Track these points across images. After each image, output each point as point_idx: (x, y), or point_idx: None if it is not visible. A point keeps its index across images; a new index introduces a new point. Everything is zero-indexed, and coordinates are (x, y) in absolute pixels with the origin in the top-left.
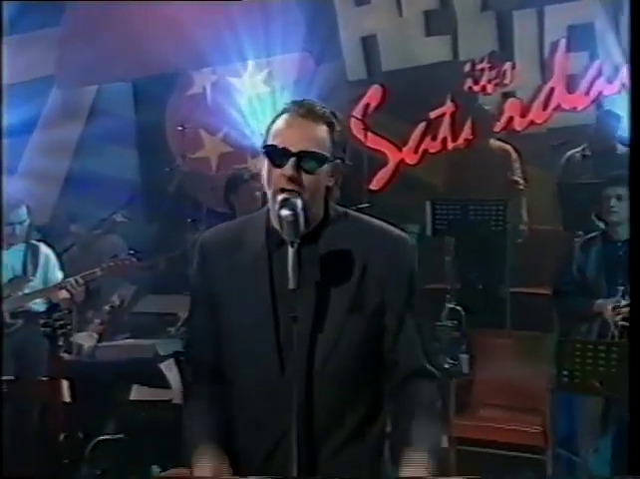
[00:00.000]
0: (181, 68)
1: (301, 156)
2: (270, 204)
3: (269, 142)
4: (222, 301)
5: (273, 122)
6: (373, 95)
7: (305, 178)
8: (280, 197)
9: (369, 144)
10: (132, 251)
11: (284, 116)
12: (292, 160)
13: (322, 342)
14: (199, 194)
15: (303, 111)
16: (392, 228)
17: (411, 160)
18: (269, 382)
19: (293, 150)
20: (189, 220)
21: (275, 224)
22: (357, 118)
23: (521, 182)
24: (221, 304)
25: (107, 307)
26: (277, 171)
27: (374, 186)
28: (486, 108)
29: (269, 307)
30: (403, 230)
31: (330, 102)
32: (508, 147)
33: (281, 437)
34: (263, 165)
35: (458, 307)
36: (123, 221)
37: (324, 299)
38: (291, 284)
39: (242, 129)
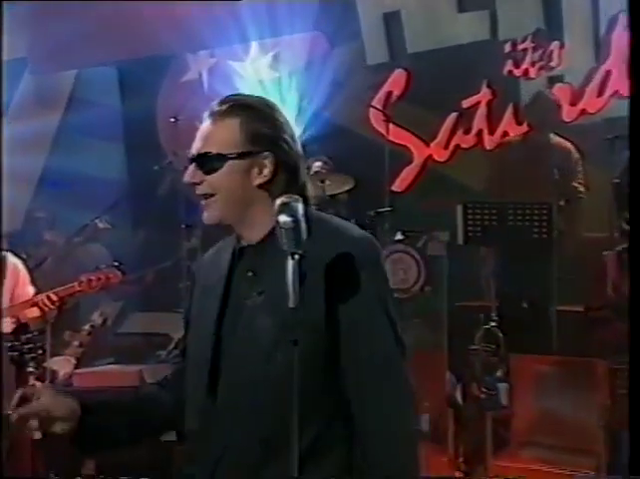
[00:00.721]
0: (175, 50)
1: (198, 159)
2: None
3: None
4: (191, 324)
5: None
6: (396, 81)
7: (212, 179)
8: (279, 201)
9: (391, 138)
10: (116, 263)
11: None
12: (191, 165)
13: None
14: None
15: (212, 110)
16: (354, 227)
17: (440, 156)
18: (200, 408)
19: (193, 154)
20: (183, 226)
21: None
22: (377, 108)
23: (582, 189)
24: (193, 315)
25: (87, 327)
26: None
27: (397, 186)
28: (547, 94)
29: (212, 324)
30: (429, 237)
31: (346, 89)
32: (569, 145)
33: (213, 470)
34: None
35: (495, 328)
36: (106, 227)
37: (269, 313)
38: (291, 303)
39: None
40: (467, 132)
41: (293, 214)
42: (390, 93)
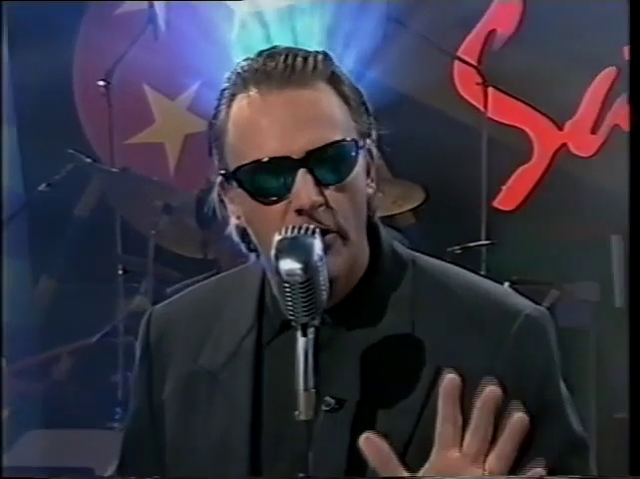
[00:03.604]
0: None
1: (314, 160)
2: (263, 256)
3: (236, 160)
4: (173, 430)
5: (221, 112)
6: (502, 13)
7: (343, 190)
8: (278, 236)
9: (492, 115)
10: None
11: (244, 97)
12: (301, 172)
13: None
14: (141, 218)
15: (276, 68)
16: (512, 295)
17: (582, 147)
18: None
19: (295, 156)
20: (120, 271)
21: (275, 289)
22: (467, 62)
23: None
24: (172, 436)
25: None
26: (277, 207)
27: (502, 203)
28: None
29: (246, 447)
30: (560, 292)
31: (411, 29)
32: None
33: None
34: (228, 189)
35: None
36: None
37: (359, 435)
38: (303, 413)
39: None
40: None
41: (305, 257)
42: (491, 34)
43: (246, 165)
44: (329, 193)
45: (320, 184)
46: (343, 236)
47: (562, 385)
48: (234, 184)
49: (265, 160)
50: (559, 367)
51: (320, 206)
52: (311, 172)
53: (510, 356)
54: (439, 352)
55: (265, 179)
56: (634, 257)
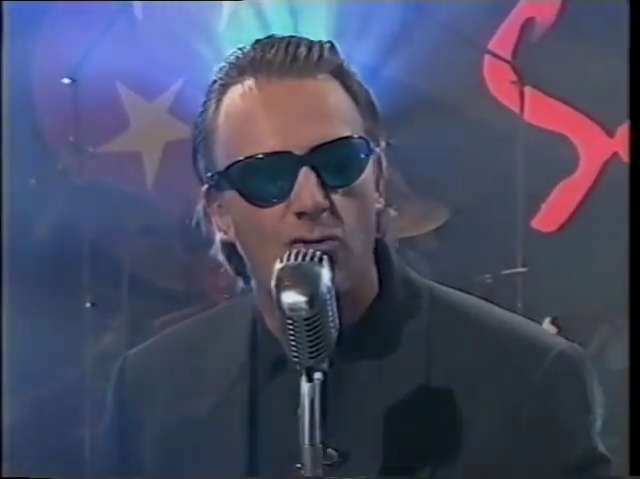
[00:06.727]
0: None
1: (320, 158)
2: (254, 277)
3: (228, 158)
4: None
5: (210, 107)
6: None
7: (340, 203)
8: (279, 264)
9: (529, 119)
10: None
11: (239, 87)
12: (304, 171)
13: None
14: (113, 241)
15: (276, 56)
16: (542, 331)
17: None
18: None
19: (297, 151)
20: (88, 304)
21: (269, 322)
22: (500, 56)
23: None
24: None
25: None
26: (274, 211)
27: (542, 223)
28: None
29: None
30: (613, 331)
31: (434, 19)
32: None
33: None
34: (215, 197)
35: None
36: None
37: None
38: (309, 471)
39: None
40: None
41: (311, 289)
42: (528, 23)
43: (240, 161)
44: (335, 197)
45: (325, 186)
46: (347, 247)
47: (598, 441)
48: (225, 185)
49: (263, 155)
50: (598, 417)
51: (324, 210)
52: (315, 170)
53: (536, 405)
54: (458, 397)
55: (262, 177)
56: (634, 258)
